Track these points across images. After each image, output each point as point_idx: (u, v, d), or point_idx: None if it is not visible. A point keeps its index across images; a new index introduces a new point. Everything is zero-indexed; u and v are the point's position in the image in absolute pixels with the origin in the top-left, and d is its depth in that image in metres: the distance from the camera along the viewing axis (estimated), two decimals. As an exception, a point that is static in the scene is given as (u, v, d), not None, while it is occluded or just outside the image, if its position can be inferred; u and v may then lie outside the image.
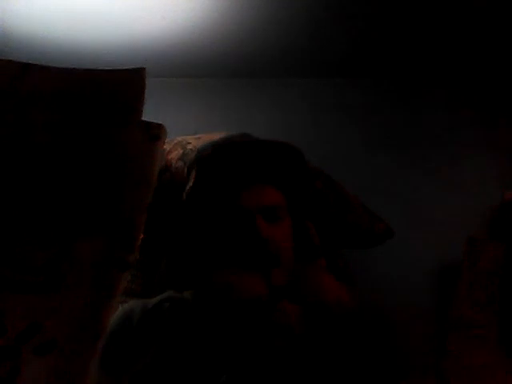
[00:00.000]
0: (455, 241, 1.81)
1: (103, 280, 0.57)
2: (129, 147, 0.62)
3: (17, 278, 0.57)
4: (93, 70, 0.66)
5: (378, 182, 1.95)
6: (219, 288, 1.00)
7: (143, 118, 0.64)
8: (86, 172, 0.61)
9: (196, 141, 1.43)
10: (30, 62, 0.66)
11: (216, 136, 1.41)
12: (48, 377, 0.54)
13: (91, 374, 0.55)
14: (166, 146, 1.41)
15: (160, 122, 0.64)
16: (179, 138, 1.45)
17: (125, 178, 0.61)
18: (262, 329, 0.98)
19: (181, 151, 1.39)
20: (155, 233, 1.36)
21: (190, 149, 1.39)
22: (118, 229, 0.59)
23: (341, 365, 1.00)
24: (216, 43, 1.96)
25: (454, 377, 1.71)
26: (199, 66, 2.12)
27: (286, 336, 0.99)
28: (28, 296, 0.57)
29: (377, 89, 2.12)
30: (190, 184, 1.15)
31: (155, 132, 0.63)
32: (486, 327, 1.70)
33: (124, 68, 0.66)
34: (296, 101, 2.13)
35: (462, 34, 1.84)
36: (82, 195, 0.60)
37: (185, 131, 1.50)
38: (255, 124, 1.99)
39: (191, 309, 1.03)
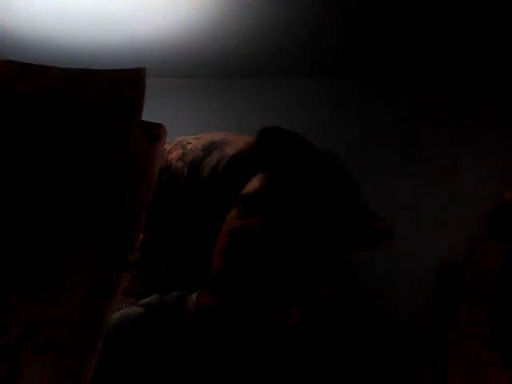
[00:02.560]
0: (455, 241, 1.81)
1: (103, 280, 0.57)
2: (129, 147, 0.62)
3: (17, 278, 0.57)
4: (93, 70, 0.66)
5: (377, 181, 1.95)
6: None
7: (143, 118, 0.64)
8: (86, 172, 0.61)
9: (196, 141, 1.42)
10: (30, 62, 0.66)
11: (216, 136, 1.41)
12: (48, 376, 0.54)
13: (91, 374, 0.55)
14: (166, 146, 1.41)
15: (160, 122, 0.64)
16: (179, 138, 1.45)
17: (124, 178, 0.61)
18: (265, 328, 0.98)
19: (181, 151, 1.39)
20: (155, 233, 1.36)
21: (190, 149, 1.39)
22: (118, 229, 0.59)
23: (341, 365, 1.00)
24: (216, 43, 1.96)
25: (453, 376, 1.71)
26: (199, 66, 2.12)
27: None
28: (28, 296, 0.57)
29: (376, 89, 2.12)
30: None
31: (155, 132, 0.63)
32: (485, 327, 1.70)
33: (124, 68, 0.65)
34: (296, 101, 2.14)
35: (461, 33, 1.84)
36: (82, 195, 0.60)
37: (185, 131, 1.50)
38: (255, 124, 1.99)
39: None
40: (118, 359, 0.96)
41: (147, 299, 1.09)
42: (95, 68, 0.66)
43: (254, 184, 1.03)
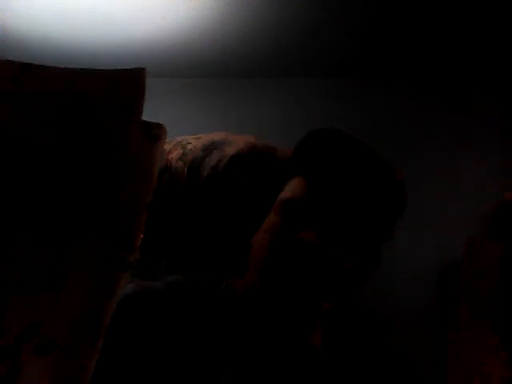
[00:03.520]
0: (455, 241, 1.81)
1: (103, 280, 0.57)
2: (129, 147, 0.62)
3: (17, 278, 0.57)
4: (93, 70, 0.66)
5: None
6: None
7: (143, 118, 0.64)
8: (86, 172, 0.61)
9: (196, 141, 1.42)
10: (30, 62, 0.66)
11: (216, 136, 1.41)
12: (48, 377, 0.54)
13: (91, 374, 0.55)
14: (166, 146, 1.40)
15: (160, 122, 0.64)
16: (179, 138, 1.44)
17: (125, 178, 0.61)
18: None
19: (181, 151, 1.39)
20: (155, 233, 1.36)
21: (190, 149, 1.39)
22: (118, 229, 0.59)
23: (341, 365, 1.00)
24: (216, 43, 1.96)
25: (453, 376, 1.71)
26: (199, 66, 2.12)
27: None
28: (28, 296, 0.57)
29: (376, 89, 2.12)
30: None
31: (155, 132, 0.63)
32: (485, 327, 1.70)
33: (124, 68, 0.65)
34: (296, 101, 2.14)
35: (461, 33, 1.84)
36: (82, 195, 0.60)
37: (185, 131, 1.50)
38: (255, 124, 1.99)
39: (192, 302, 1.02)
40: (130, 329, 0.94)
41: (169, 277, 1.08)
42: (95, 68, 0.66)
43: (293, 189, 1.00)
